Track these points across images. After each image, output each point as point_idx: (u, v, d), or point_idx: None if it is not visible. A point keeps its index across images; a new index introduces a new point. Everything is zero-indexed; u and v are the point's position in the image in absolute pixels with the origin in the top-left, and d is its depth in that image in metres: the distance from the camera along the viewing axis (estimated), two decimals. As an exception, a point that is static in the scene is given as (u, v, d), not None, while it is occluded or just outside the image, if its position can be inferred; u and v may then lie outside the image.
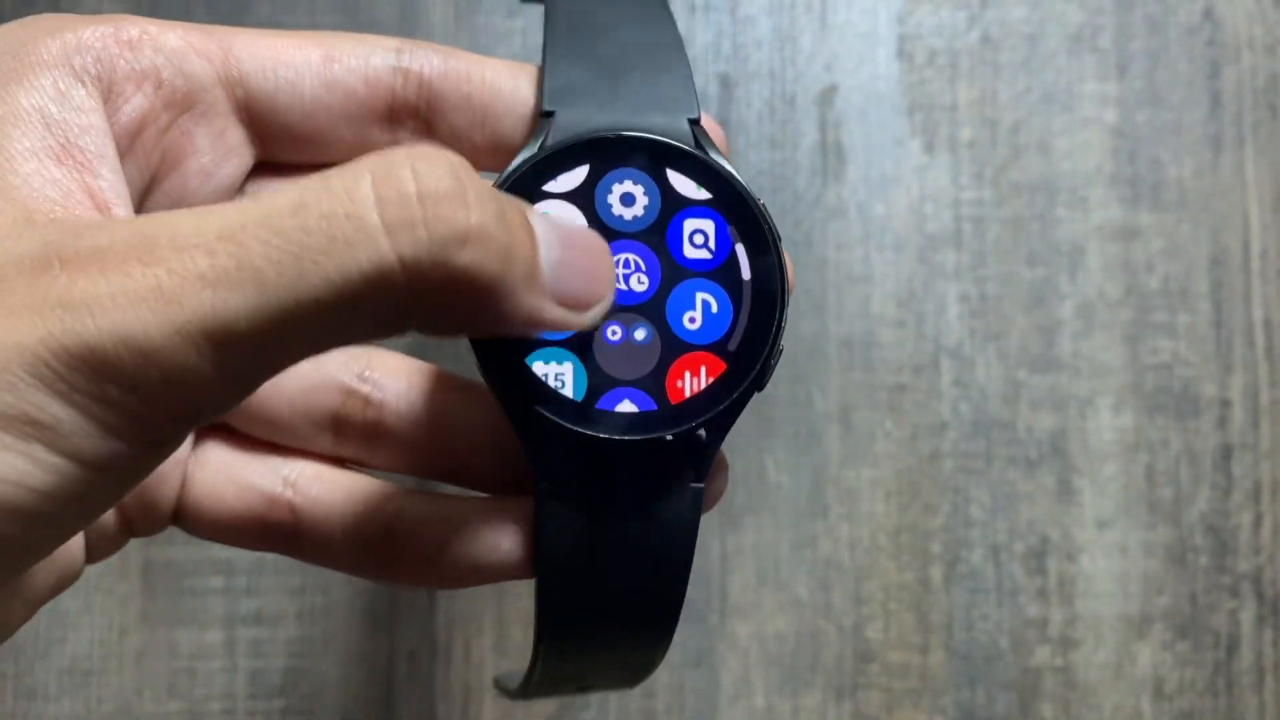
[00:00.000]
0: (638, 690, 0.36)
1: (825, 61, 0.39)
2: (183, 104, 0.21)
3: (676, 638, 0.23)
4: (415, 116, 0.23)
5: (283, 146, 0.22)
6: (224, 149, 0.22)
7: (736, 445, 0.37)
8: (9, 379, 0.15)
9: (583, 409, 0.21)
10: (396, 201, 0.16)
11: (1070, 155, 0.39)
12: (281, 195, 0.16)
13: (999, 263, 0.38)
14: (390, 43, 0.22)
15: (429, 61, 0.22)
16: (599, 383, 0.21)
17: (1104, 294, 0.38)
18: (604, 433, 0.21)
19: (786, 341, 0.22)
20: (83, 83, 0.20)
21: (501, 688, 0.29)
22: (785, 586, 0.37)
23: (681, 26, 0.34)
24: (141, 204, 0.22)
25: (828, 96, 0.39)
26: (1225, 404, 0.38)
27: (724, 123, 0.39)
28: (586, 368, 0.21)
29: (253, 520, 0.23)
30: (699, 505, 0.22)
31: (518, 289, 0.17)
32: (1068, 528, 0.38)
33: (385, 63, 0.22)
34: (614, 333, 0.21)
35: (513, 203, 0.18)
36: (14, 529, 0.16)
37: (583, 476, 0.21)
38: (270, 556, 0.37)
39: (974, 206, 0.38)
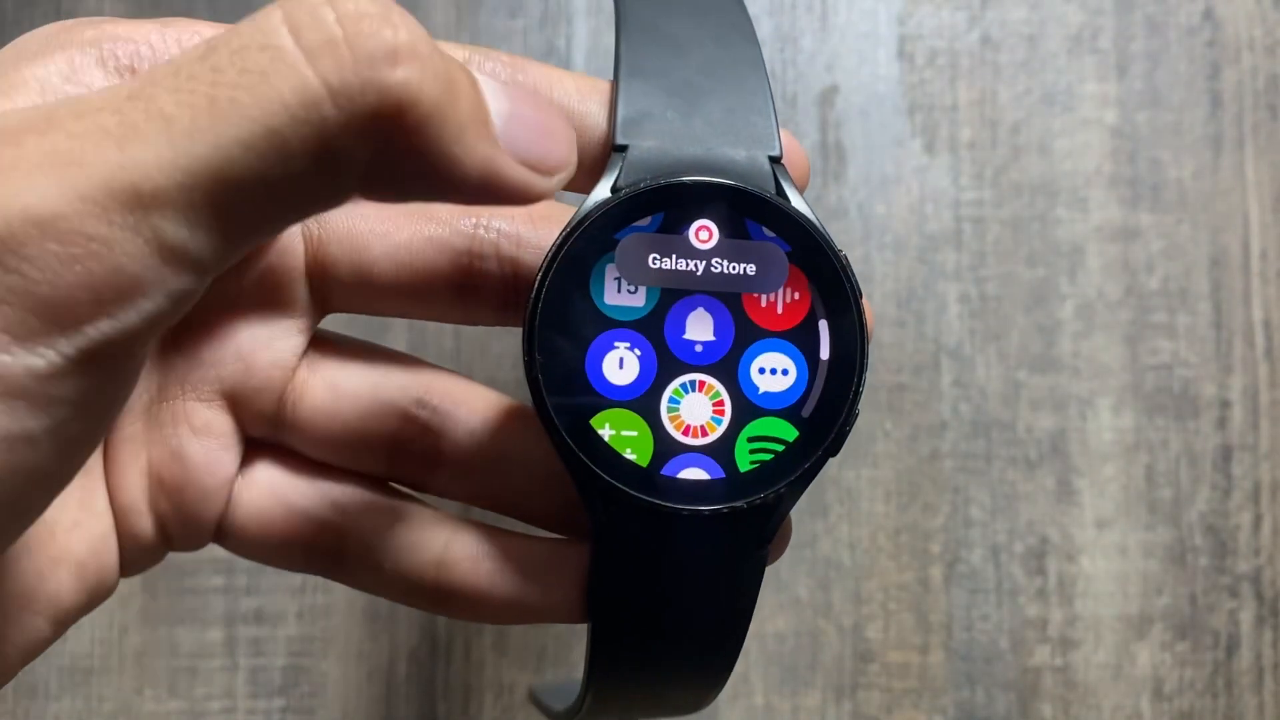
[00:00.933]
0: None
1: (826, 62, 0.39)
2: None
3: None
4: None
5: None
6: None
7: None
8: None
9: (648, 474, 0.20)
10: (313, 25, 0.14)
11: (1070, 156, 0.39)
12: (191, 47, 0.15)
13: (999, 263, 0.38)
14: (458, 50, 0.21)
15: (497, 75, 0.21)
16: (665, 449, 0.20)
17: (1104, 294, 0.38)
18: (669, 502, 0.20)
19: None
20: (104, 66, 0.18)
21: (540, 704, 0.29)
22: (785, 586, 0.37)
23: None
24: None
25: (828, 97, 0.39)
26: (1225, 404, 0.38)
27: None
28: (654, 434, 0.20)
29: (300, 543, 0.22)
30: (762, 569, 0.21)
31: (466, 128, 0.15)
32: (1067, 528, 0.38)
33: None
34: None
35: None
36: None
37: (644, 540, 0.20)
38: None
39: (974, 207, 0.38)
